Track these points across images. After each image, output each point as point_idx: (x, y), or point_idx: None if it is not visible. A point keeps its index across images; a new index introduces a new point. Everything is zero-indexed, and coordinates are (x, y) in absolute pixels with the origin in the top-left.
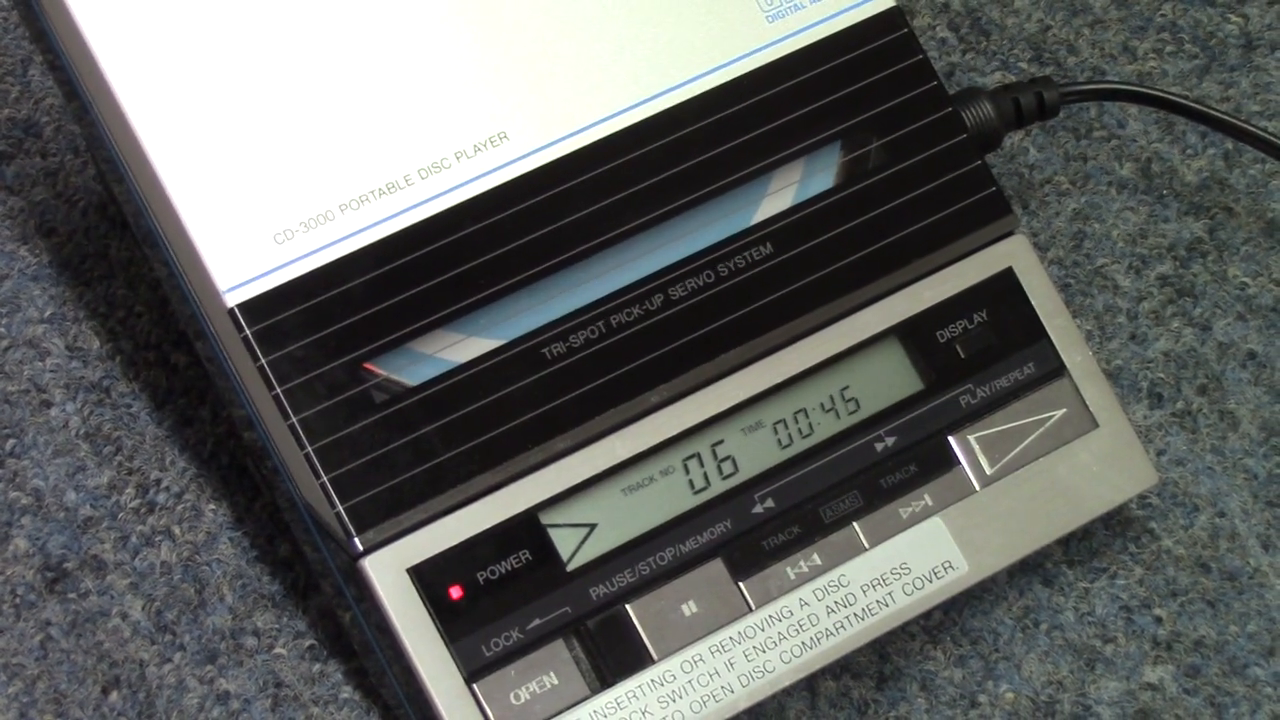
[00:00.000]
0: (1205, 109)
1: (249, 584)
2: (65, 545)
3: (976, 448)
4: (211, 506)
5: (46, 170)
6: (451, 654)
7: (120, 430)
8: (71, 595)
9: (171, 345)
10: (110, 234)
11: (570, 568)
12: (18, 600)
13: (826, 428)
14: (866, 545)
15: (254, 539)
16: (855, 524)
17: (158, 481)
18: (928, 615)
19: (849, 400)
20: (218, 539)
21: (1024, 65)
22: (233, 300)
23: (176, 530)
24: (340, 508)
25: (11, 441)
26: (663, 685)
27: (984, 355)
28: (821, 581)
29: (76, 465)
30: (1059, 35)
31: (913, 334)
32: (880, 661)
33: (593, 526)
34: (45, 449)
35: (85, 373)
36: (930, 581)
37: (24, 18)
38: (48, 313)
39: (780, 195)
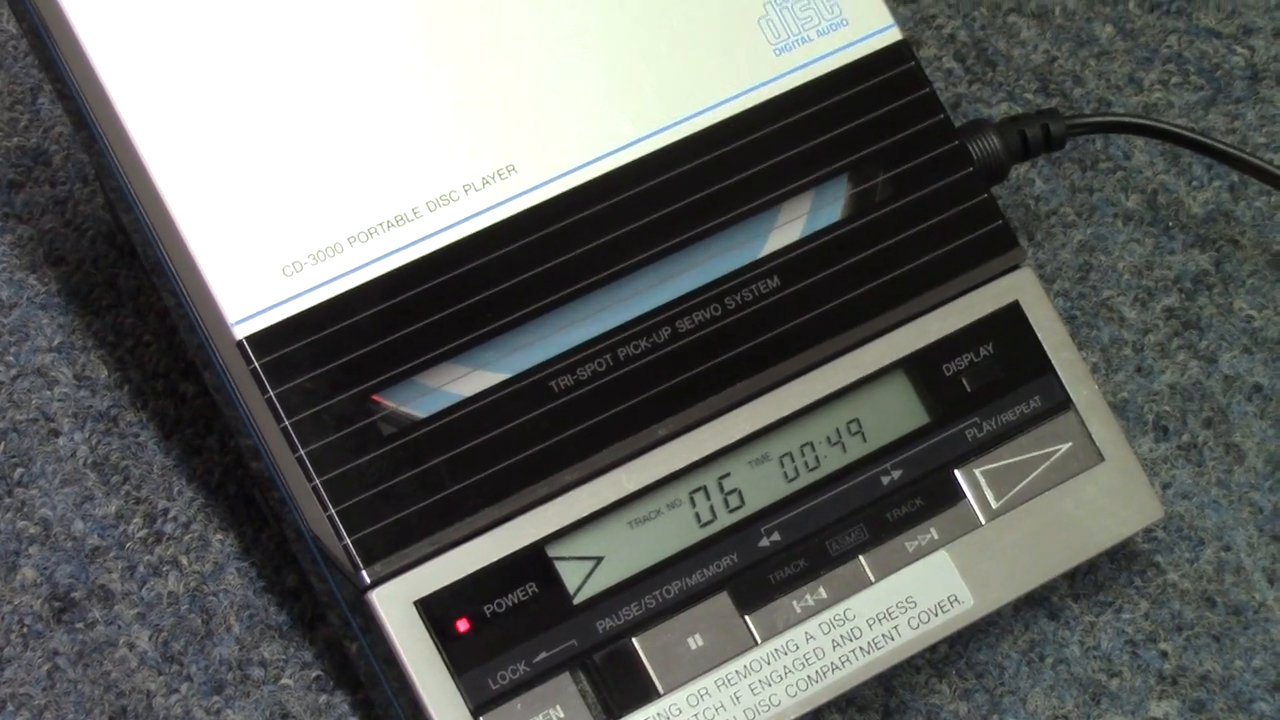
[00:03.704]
0: (1211, 142)
1: (256, 614)
2: (73, 575)
3: (982, 481)
4: (219, 536)
5: (55, 199)
6: (458, 687)
7: (128, 459)
8: (79, 625)
9: (179, 375)
10: (119, 263)
11: (577, 601)
12: (25, 630)
13: (833, 461)
14: (872, 579)
15: (261, 569)
16: (861, 557)
17: (165, 511)
18: (933, 648)
19: (855, 433)
20: (225, 569)
21: (1030, 96)
22: (241, 333)
23: (184, 560)
24: (348, 540)
25: (20, 470)
26: (669, 719)
27: (990, 389)
28: (827, 615)
29: (84, 494)
30: (1065, 66)
31: (919, 367)
32: (886, 695)
33: (599, 559)
34: (53, 478)
35: (93, 402)
36: (936, 615)
37: (33, 46)
38: (56, 341)
39: (787, 228)
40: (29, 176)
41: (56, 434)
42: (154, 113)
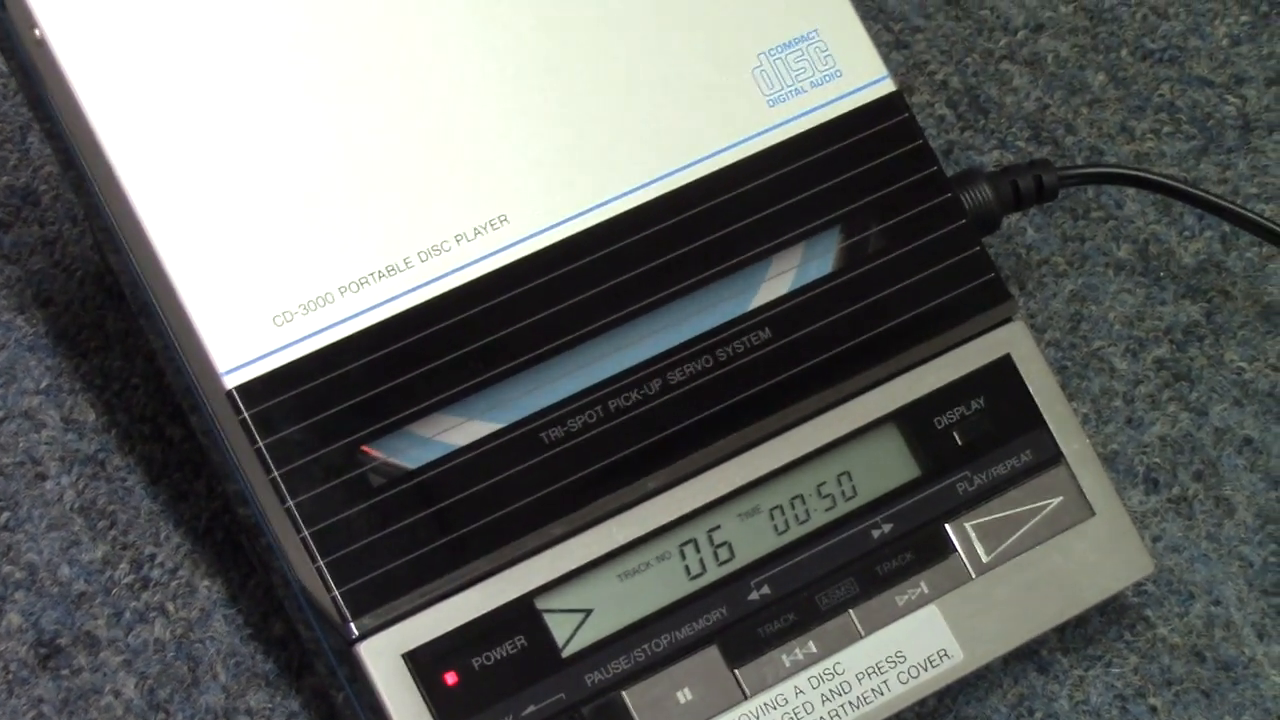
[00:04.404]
0: (1201, 193)
1: (243, 662)
2: (59, 621)
3: (973, 535)
4: (205, 583)
5: (44, 239)
6: None
7: (115, 504)
8: (64, 672)
9: (167, 418)
10: (107, 305)
11: (566, 654)
12: (10, 676)
13: (823, 514)
14: (862, 633)
15: (248, 616)
16: (851, 611)
17: (152, 557)
18: (922, 703)
19: (846, 487)
20: (211, 616)
21: (1022, 144)
22: (231, 383)
23: (170, 607)
24: (336, 592)
25: (6, 515)
26: None
27: (981, 442)
28: (817, 669)
29: (71, 539)
30: (1057, 114)
31: (910, 420)
32: None
33: (588, 612)
34: (40, 522)
35: (81, 445)
36: (925, 670)
37: (21, 85)
38: (44, 384)
39: (779, 280)
40: (17, 216)
41: (43, 477)
42: (145, 158)
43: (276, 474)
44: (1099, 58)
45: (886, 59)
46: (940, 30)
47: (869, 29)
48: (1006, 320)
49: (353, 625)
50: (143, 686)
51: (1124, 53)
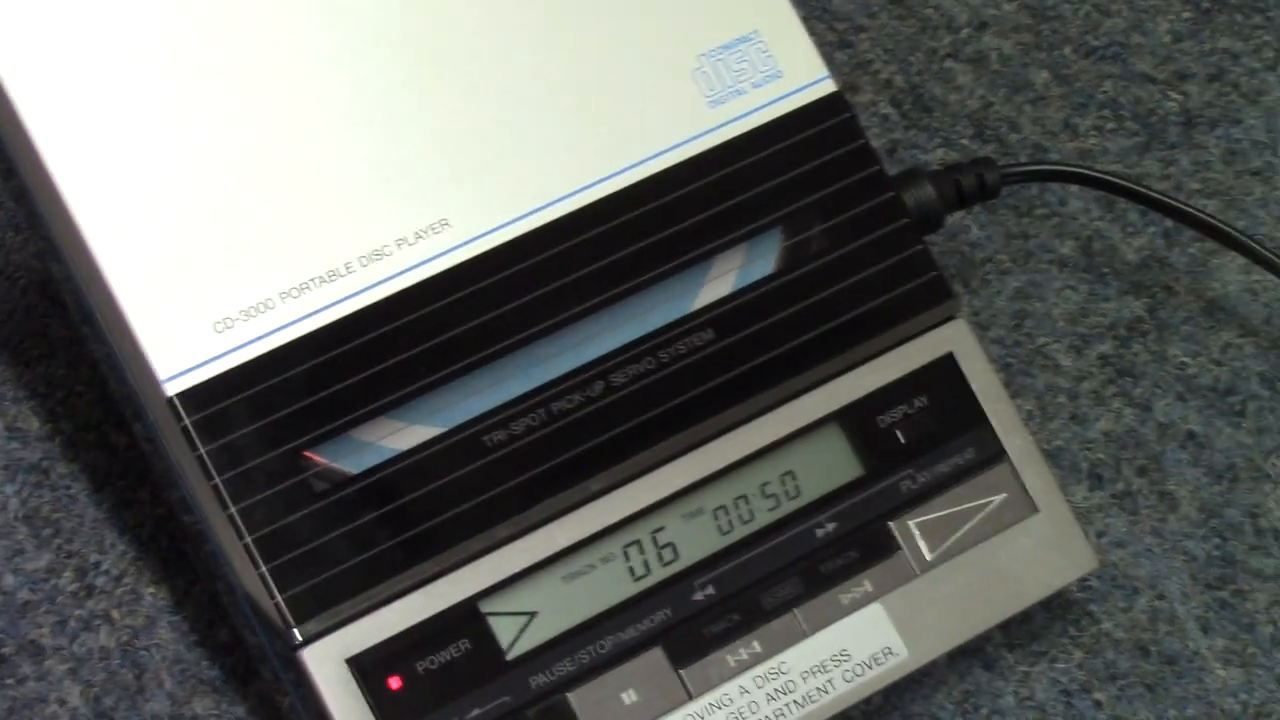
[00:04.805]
0: (1144, 190)
1: (188, 669)
2: (3, 630)
3: (916, 533)
4: (151, 590)
5: None
6: None
7: (59, 512)
8: (9, 681)
9: (111, 426)
10: (51, 313)
11: (510, 656)
12: None
13: (767, 514)
14: (807, 631)
15: (194, 623)
16: (796, 610)
17: (97, 564)
18: (868, 700)
19: (789, 486)
20: (157, 623)
21: (965, 142)
22: (172, 390)
23: (115, 614)
24: (279, 598)
25: None
26: None
27: (924, 441)
28: (761, 669)
29: (15, 548)
30: (1001, 112)
31: (853, 420)
32: None
33: (533, 615)
34: None
35: (25, 454)
36: (870, 668)
37: None
38: None
39: (721, 281)
40: None
41: None
42: (84, 168)
43: (218, 480)
44: (1042, 55)
45: (830, 59)
46: (884, 29)
47: (812, 29)
48: (949, 319)
49: (296, 631)
50: (88, 694)
51: (1067, 50)
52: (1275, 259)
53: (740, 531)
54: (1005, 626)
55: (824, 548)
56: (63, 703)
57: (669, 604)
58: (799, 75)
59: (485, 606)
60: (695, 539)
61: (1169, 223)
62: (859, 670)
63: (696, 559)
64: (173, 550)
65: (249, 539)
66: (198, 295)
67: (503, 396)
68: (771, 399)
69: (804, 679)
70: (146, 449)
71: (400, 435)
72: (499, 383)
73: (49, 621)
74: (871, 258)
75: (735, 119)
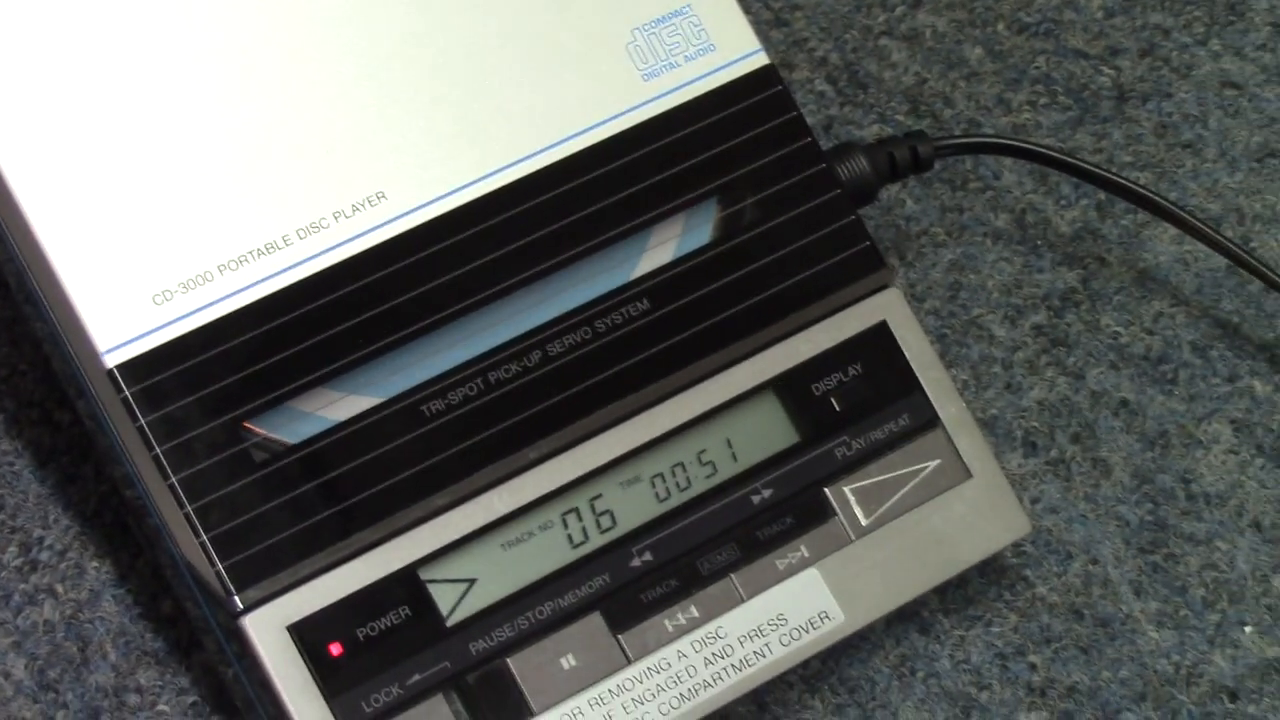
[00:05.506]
0: (1076, 161)
1: (132, 641)
2: None
3: (852, 499)
4: (94, 564)
5: None
6: (331, 711)
7: (3, 489)
8: None
9: (55, 403)
10: None
11: (450, 623)
12: None
13: (703, 481)
14: (744, 597)
15: (137, 596)
16: (732, 576)
17: (40, 540)
18: (805, 664)
19: (726, 454)
20: (101, 596)
21: (901, 118)
22: (112, 361)
23: (59, 588)
24: (220, 566)
25: None
26: None
27: (859, 408)
28: (699, 633)
29: None
30: (935, 88)
31: (788, 388)
32: (759, 712)
33: (472, 581)
34: None
35: None
36: (807, 632)
37: None
38: None
39: (656, 252)
40: None
41: None
42: (20, 141)
43: (159, 450)
44: (976, 32)
45: (766, 36)
46: (819, 7)
47: (748, 7)
48: (882, 287)
49: (237, 599)
50: (32, 667)
51: (1000, 26)
52: (1206, 229)
53: (677, 498)
54: (941, 591)
55: (760, 514)
56: (7, 675)
57: (607, 570)
58: (731, 49)
59: (425, 574)
60: (633, 506)
61: (1101, 195)
62: (796, 634)
63: (634, 526)
64: (116, 525)
65: (189, 508)
66: (137, 268)
67: (441, 366)
68: (708, 367)
69: (741, 643)
70: (90, 426)
71: (339, 405)
72: (437, 353)
73: None
74: (805, 228)
75: (669, 91)
